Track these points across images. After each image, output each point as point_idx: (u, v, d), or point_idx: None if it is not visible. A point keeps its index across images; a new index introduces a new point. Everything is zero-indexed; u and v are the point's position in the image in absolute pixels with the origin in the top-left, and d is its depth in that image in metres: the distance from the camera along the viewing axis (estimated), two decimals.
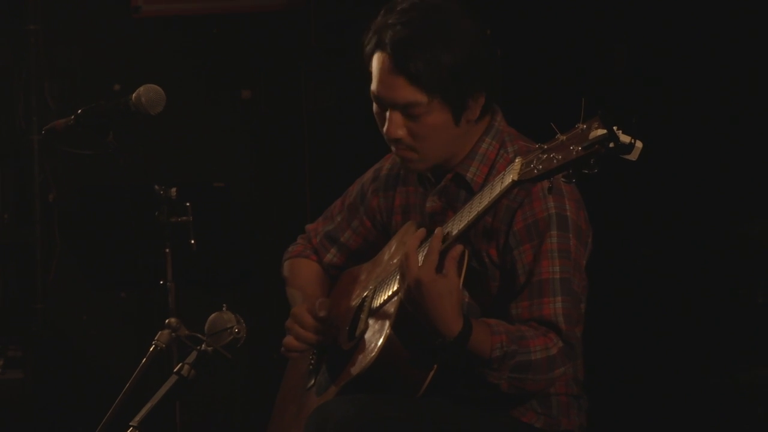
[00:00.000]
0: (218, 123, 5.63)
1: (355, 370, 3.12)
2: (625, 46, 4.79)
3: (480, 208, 2.91)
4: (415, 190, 3.36)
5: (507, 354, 2.98)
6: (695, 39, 4.64)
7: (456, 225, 2.98)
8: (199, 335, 3.11)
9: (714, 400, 4.52)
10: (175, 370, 3.09)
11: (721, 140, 4.58)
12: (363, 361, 3.10)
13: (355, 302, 3.34)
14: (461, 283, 3.02)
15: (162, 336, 3.16)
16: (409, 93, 3.09)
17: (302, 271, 3.59)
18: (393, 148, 3.21)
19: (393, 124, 3.13)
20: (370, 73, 3.19)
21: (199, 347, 3.10)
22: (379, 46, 3.12)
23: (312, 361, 3.40)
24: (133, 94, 3.25)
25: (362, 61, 3.21)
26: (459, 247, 2.96)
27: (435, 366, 3.03)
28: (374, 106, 3.21)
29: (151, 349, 3.15)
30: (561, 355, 3.04)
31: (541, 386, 3.08)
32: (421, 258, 2.98)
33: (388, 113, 3.13)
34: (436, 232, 2.99)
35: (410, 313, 3.02)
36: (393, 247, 3.33)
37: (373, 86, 3.16)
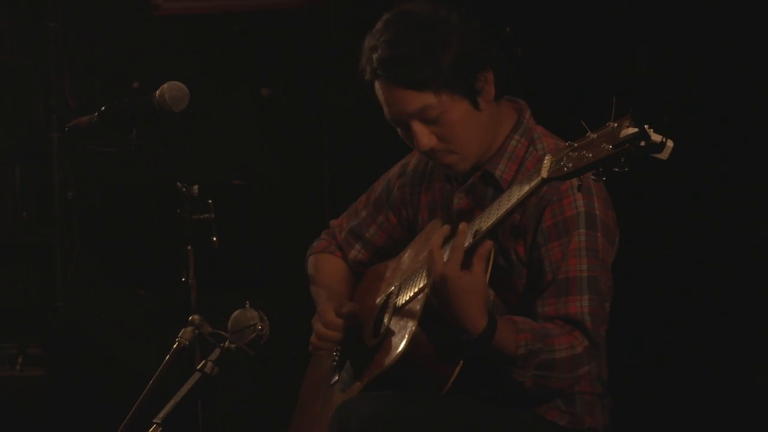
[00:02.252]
0: (237, 121, 5.62)
1: (379, 367, 3.11)
2: (646, 46, 4.77)
3: (509, 206, 2.90)
4: (442, 186, 3.35)
5: (532, 352, 2.97)
6: (717, 38, 4.62)
7: (484, 222, 2.97)
8: (222, 332, 3.10)
9: (737, 400, 4.50)
10: (198, 367, 3.08)
11: (742, 140, 4.55)
12: (388, 358, 3.09)
13: (379, 300, 3.33)
14: (487, 281, 3.01)
15: (185, 333, 3.15)
16: (415, 100, 3.10)
17: (327, 268, 3.58)
18: (433, 159, 3.22)
19: (420, 136, 3.14)
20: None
21: (222, 344, 3.09)
22: (372, 74, 3.15)
23: (336, 358, 3.40)
24: (157, 92, 3.24)
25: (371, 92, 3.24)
26: (488, 243, 2.96)
27: (460, 364, 3.03)
28: (398, 131, 3.22)
29: (174, 346, 3.14)
30: (586, 353, 3.03)
31: (566, 384, 3.07)
32: (446, 254, 2.97)
33: (412, 129, 3.14)
34: (460, 227, 2.99)
35: (436, 311, 3.02)
36: (418, 245, 3.33)
37: (385, 112, 3.19)
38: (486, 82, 3.15)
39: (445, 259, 2.96)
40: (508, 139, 3.23)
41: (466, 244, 2.96)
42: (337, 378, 3.35)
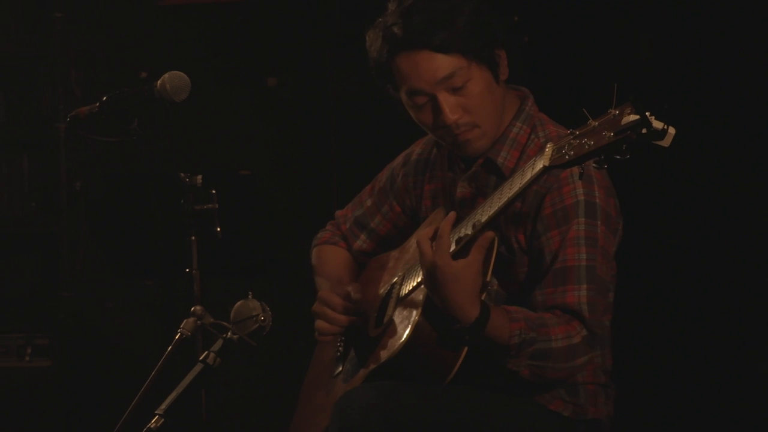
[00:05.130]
0: (244, 110, 5.61)
1: (382, 357, 3.10)
2: (650, 34, 4.75)
3: (510, 194, 2.88)
4: (444, 175, 3.34)
5: (525, 341, 2.95)
6: (721, 26, 4.59)
7: (486, 211, 2.95)
8: (224, 323, 3.09)
9: (741, 390, 4.48)
10: (200, 358, 3.07)
11: (746, 130, 4.53)
12: (390, 348, 3.08)
13: (383, 289, 3.32)
14: (491, 271, 3.00)
15: (187, 324, 3.14)
16: (446, 62, 3.10)
17: (330, 259, 3.58)
18: (452, 137, 3.18)
19: (449, 107, 3.13)
20: (388, 88, 3.22)
21: (224, 335, 3.08)
22: (395, 49, 3.13)
23: (339, 348, 3.39)
24: (158, 81, 3.24)
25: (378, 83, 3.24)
26: (489, 234, 2.93)
27: (463, 354, 3.01)
28: (414, 111, 3.20)
29: (176, 337, 3.13)
30: (583, 344, 3.01)
31: (564, 375, 3.05)
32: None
33: (438, 102, 3.12)
34: (449, 215, 2.97)
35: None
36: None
37: (409, 85, 3.15)
38: (501, 59, 3.18)
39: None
40: (510, 126, 3.23)
41: (465, 232, 2.94)
42: (340, 368, 3.34)
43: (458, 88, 3.12)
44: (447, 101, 3.13)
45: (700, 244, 4.55)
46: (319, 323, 3.34)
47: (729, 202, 4.52)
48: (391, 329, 3.14)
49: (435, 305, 3.02)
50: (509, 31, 3.22)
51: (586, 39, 4.73)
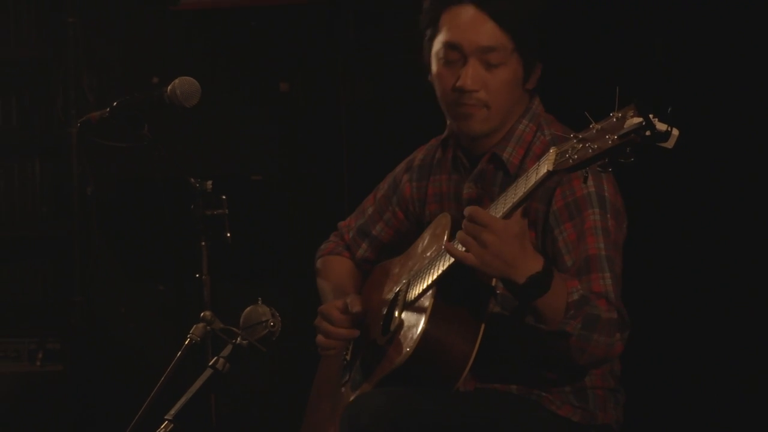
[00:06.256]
0: (256, 116, 5.61)
1: (390, 365, 3.10)
2: (662, 39, 4.74)
3: (515, 199, 2.87)
4: (449, 177, 3.35)
5: (583, 298, 2.93)
6: (733, 30, 4.59)
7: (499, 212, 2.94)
8: (233, 329, 3.10)
9: (749, 395, 4.47)
10: (210, 363, 3.08)
11: (758, 132, 4.52)
12: (398, 356, 3.08)
13: (388, 296, 3.32)
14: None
15: (197, 329, 3.15)
16: (495, 35, 3.14)
17: (334, 269, 3.58)
18: (460, 105, 3.19)
19: (473, 74, 3.16)
20: (426, 33, 3.23)
21: (234, 341, 3.09)
22: None
23: (346, 357, 3.39)
24: (168, 87, 3.25)
25: (411, 30, 3.27)
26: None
27: (471, 360, 3.01)
28: (439, 65, 3.21)
29: (186, 342, 3.14)
30: (618, 321, 2.99)
31: (602, 352, 2.98)
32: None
33: (466, 64, 3.15)
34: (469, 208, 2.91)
35: (446, 306, 3.01)
36: (426, 240, 3.31)
37: (449, 36, 3.17)
38: (537, 68, 3.23)
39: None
40: (517, 123, 3.26)
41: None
42: (348, 377, 3.34)
43: (491, 66, 3.15)
44: (475, 69, 3.15)
45: (708, 248, 4.54)
46: (320, 338, 3.34)
47: (738, 204, 4.51)
48: (398, 337, 3.14)
49: (442, 311, 3.03)
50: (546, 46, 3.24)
51: (596, 43, 4.73)
